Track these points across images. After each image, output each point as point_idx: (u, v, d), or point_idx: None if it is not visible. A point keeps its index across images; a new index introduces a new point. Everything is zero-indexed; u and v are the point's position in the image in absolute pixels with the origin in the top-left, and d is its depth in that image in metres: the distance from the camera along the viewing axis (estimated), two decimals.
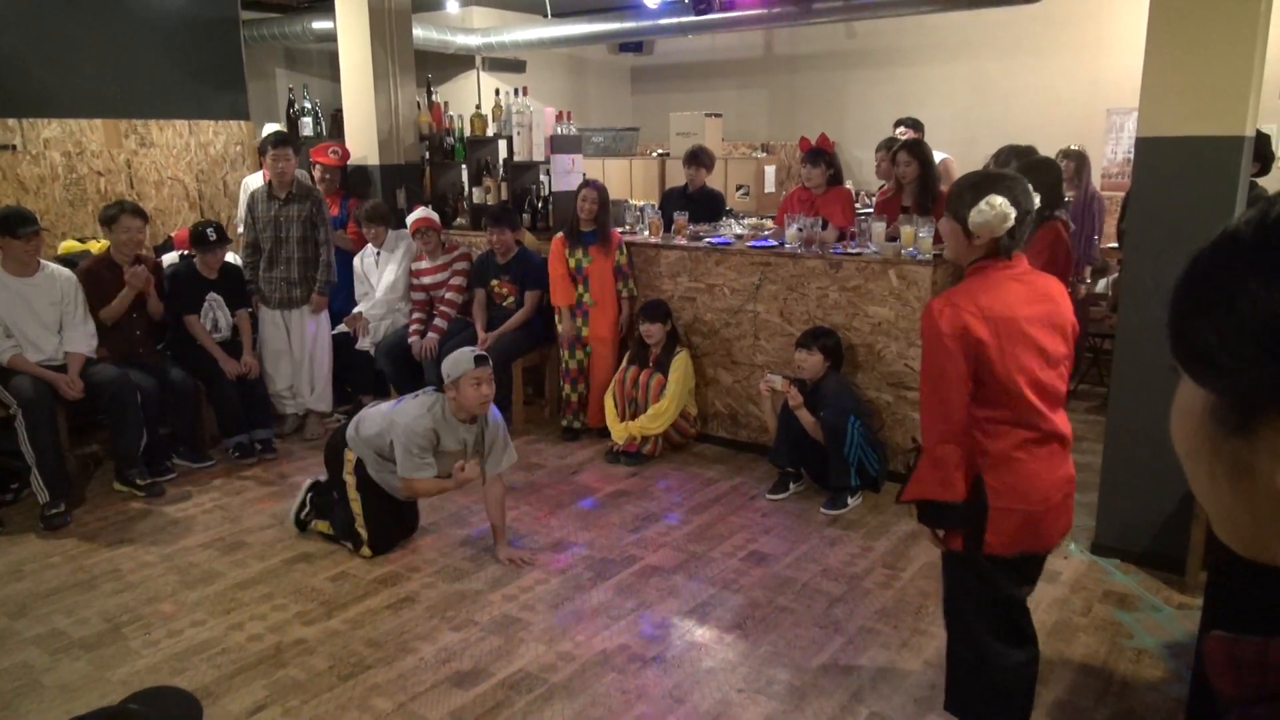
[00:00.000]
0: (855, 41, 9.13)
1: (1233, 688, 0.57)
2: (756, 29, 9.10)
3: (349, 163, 6.19)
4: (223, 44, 6.32)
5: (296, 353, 5.33)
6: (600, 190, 5.18)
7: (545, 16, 8.40)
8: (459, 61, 9.26)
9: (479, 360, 3.64)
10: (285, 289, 5.22)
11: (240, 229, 5.50)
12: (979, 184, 2.21)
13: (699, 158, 6.05)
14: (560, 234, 5.28)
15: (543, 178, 6.16)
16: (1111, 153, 7.70)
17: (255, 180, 5.85)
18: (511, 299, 5.43)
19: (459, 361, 3.66)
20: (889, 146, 5.41)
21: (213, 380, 4.93)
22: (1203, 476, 0.59)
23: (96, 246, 5.23)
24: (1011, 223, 2.16)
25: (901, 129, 6.34)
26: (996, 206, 2.15)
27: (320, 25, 7.51)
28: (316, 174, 5.91)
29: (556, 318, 5.33)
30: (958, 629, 2.43)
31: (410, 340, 5.51)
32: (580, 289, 5.20)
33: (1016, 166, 4.19)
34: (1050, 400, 2.24)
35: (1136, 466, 3.58)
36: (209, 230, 4.99)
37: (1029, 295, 2.23)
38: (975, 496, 2.23)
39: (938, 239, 4.53)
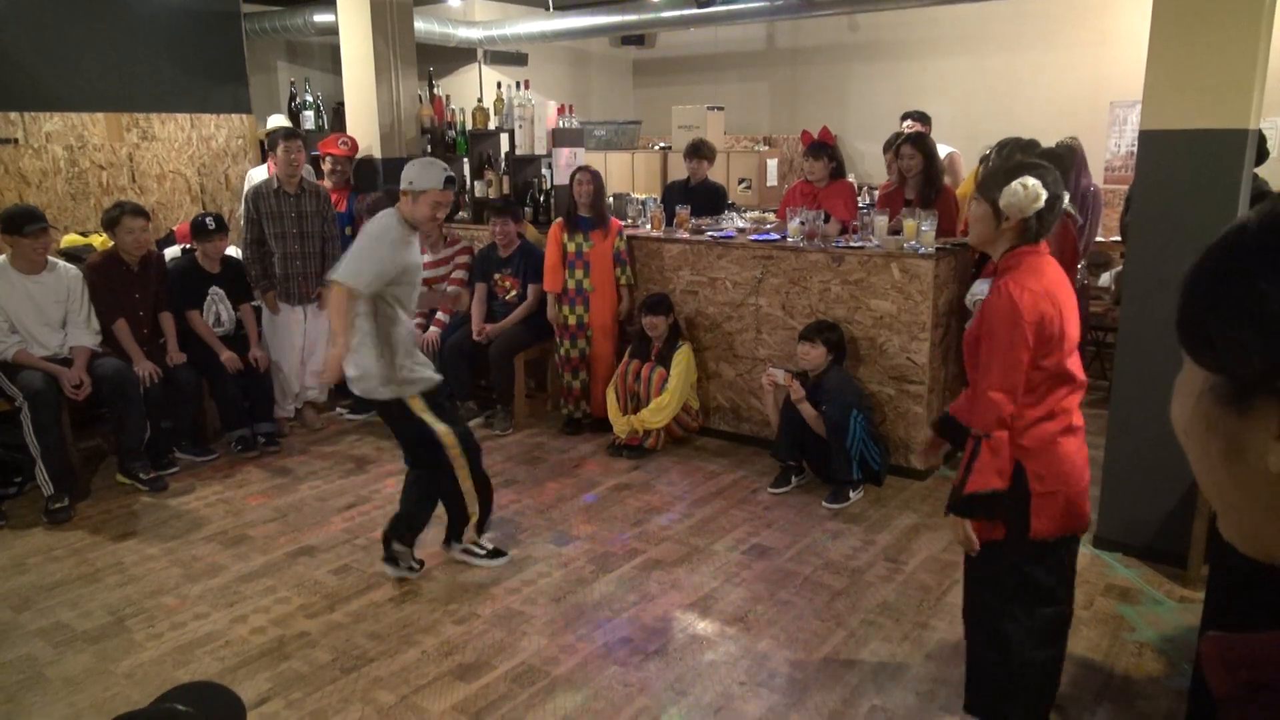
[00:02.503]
0: (858, 34, 9.11)
1: (1226, 686, 0.58)
2: (759, 22, 9.08)
3: (357, 156, 6.18)
4: (224, 37, 6.31)
5: (309, 346, 5.32)
6: (594, 174, 5.19)
7: (547, 9, 8.38)
8: (461, 55, 9.25)
9: (449, 183, 3.43)
10: (304, 284, 5.21)
11: (242, 224, 5.48)
12: (1013, 169, 2.27)
13: (700, 151, 6.04)
14: (559, 219, 5.29)
15: (544, 171, 6.16)
16: (1115, 146, 7.68)
17: (259, 173, 5.83)
18: (515, 292, 5.43)
19: (430, 174, 3.40)
20: (894, 144, 5.40)
21: (215, 374, 4.94)
22: (1198, 457, 0.61)
23: (99, 240, 5.23)
24: (1041, 205, 2.21)
25: (908, 123, 6.31)
26: (1029, 187, 2.20)
27: (322, 18, 7.50)
28: (326, 166, 5.90)
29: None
30: (985, 626, 2.41)
31: None
32: (580, 274, 5.20)
33: (1036, 155, 4.18)
34: (1081, 384, 2.33)
35: (1139, 460, 3.58)
36: (208, 219, 4.99)
37: (1062, 281, 2.30)
38: (1015, 486, 2.26)
39: (940, 232, 4.53)
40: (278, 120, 6.42)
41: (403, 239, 3.45)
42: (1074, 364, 2.29)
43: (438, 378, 3.57)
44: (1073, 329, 2.27)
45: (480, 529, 3.71)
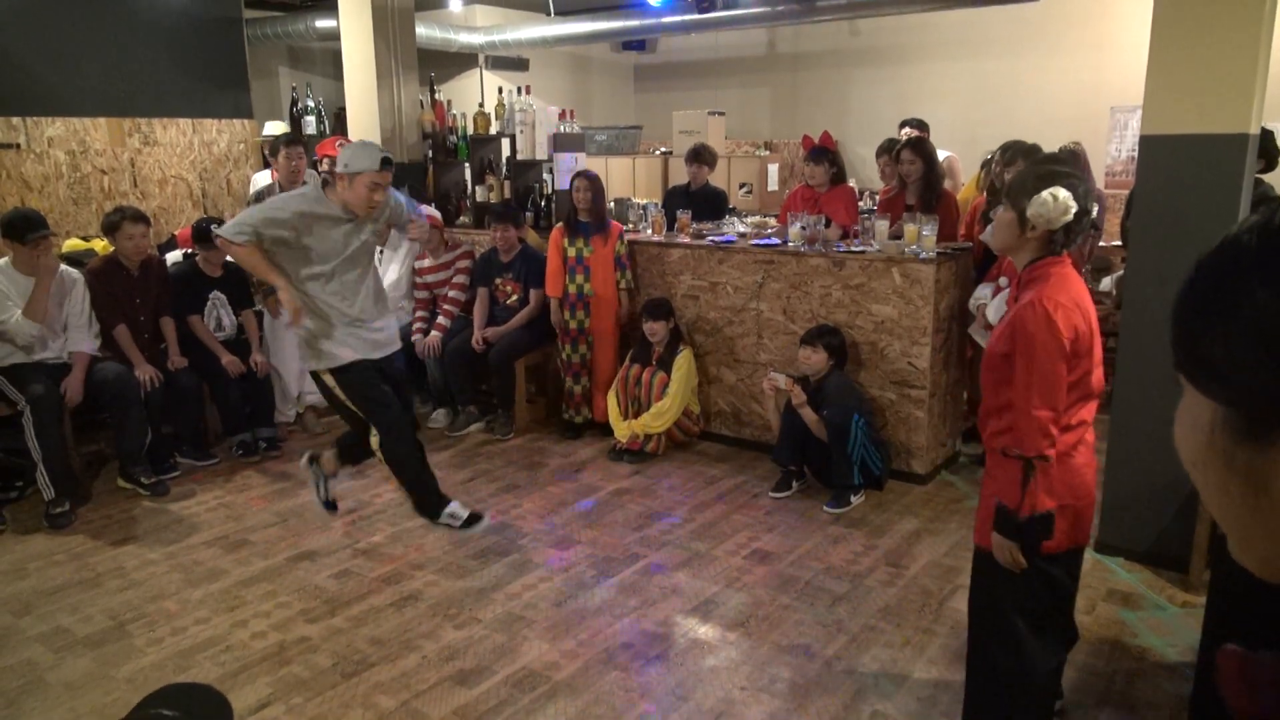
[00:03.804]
0: (858, 40, 9.12)
1: (1247, 705, 0.56)
2: (759, 27, 9.10)
3: None
4: (226, 42, 6.33)
5: None
6: (593, 179, 5.18)
7: (548, 15, 8.39)
8: (462, 60, 9.27)
9: (385, 163, 3.39)
10: None
11: None
12: (1044, 176, 2.21)
13: (701, 156, 6.05)
14: (560, 224, 5.29)
15: (545, 176, 6.17)
16: (1115, 150, 7.69)
17: (264, 178, 5.84)
18: (516, 297, 5.44)
19: (364, 155, 3.37)
20: (889, 149, 5.41)
21: (216, 379, 4.94)
22: (1214, 491, 0.58)
23: (100, 245, 5.24)
24: (1070, 218, 2.17)
25: (907, 130, 6.32)
26: (1060, 199, 2.15)
27: (323, 24, 7.52)
28: (324, 167, 5.91)
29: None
30: (996, 635, 2.39)
31: (413, 338, 5.51)
32: (581, 279, 5.20)
33: (1040, 160, 4.17)
34: (1099, 396, 2.32)
35: (1140, 465, 3.57)
36: (212, 226, 4.99)
37: (1085, 292, 2.28)
38: None
39: (941, 237, 4.53)
40: (278, 127, 6.41)
41: (313, 209, 3.39)
42: (1096, 376, 2.26)
43: (349, 357, 3.58)
44: (1097, 340, 2.25)
45: (425, 510, 3.85)
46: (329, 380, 3.61)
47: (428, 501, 3.85)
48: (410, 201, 3.83)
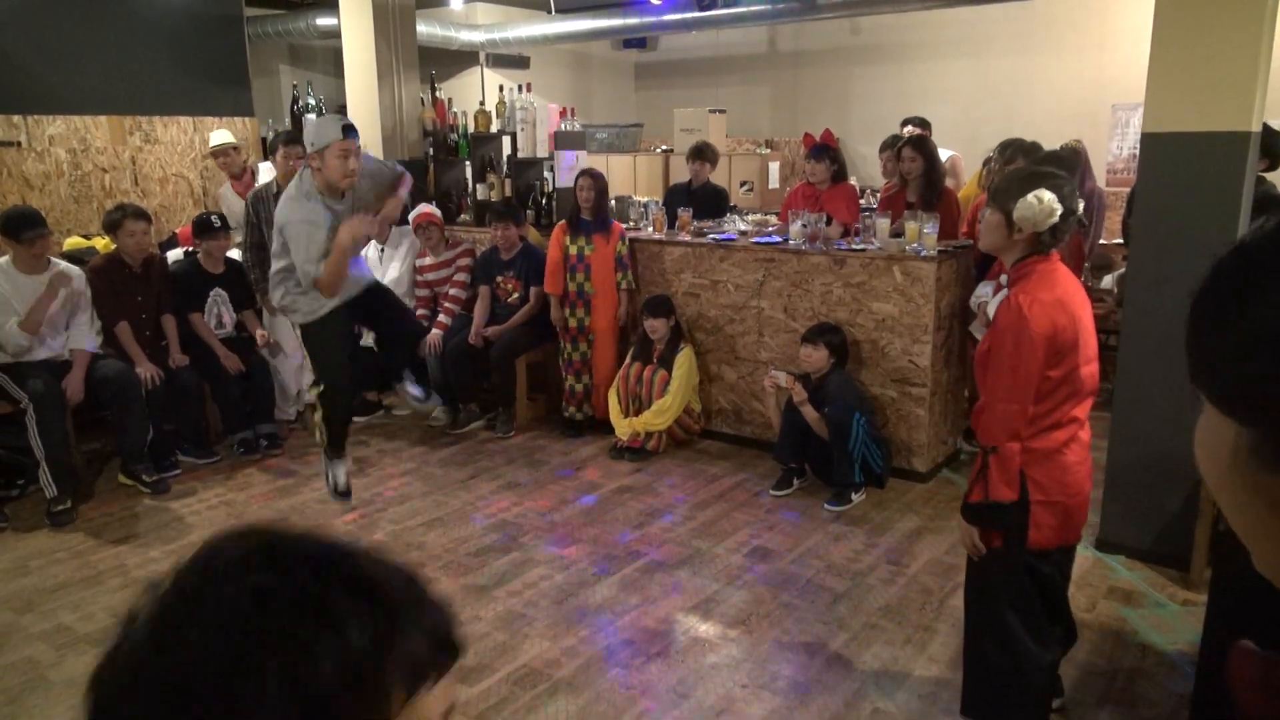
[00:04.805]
0: (860, 37, 9.11)
1: (1265, 708, 0.54)
2: (760, 25, 9.08)
3: None
4: (227, 40, 6.32)
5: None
6: (597, 178, 5.18)
7: (549, 13, 8.39)
8: (463, 58, 9.27)
9: (348, 130, 3.51)
10: None
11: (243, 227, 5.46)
12: (1028, 178, 2.23)
13: (703, 154, 6.05)
14: (563, 222, 5.29)
15: (546, 174, 6.16)
16: (1117, 148, 7.68)
17: (266, 171, 5.81)
18: (517, 295, 5.44)
19: (326, 129, 3.49)
20: (892, 145, 5.40)
21: (216, 376, 4.94)
22: (1237, 513, 0.56)
23: (101, 243, 5.24)
24: (1056, 219, 2.19)
25: (909, 128, 6.31)
26: (1045, 201, 2.17)
27: (324, 22, 7.52)
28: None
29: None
30: (990, 630, 2.40)
31: None
32: (581, 278, 5.20)
33: (1039, 158, 4.16)
34: (1093, 393, 2.32)
35: (1141, 462, 3.57)
36: (213, 217, 5.01)
37: (1075, 289, 2.28)
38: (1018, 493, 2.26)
39: (942, 235, 4.53)
40: (223, 136, 6.18)
41: (305, 214, 3.54)
42: (1088, 373, 2.26)
43: (317, 311, 3.74)
44: (1088, 337, 2.24)
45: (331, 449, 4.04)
46: (297, 327, 3.87)
47: (335, 446, 4.06)
48: (380, 160, 3.94)
